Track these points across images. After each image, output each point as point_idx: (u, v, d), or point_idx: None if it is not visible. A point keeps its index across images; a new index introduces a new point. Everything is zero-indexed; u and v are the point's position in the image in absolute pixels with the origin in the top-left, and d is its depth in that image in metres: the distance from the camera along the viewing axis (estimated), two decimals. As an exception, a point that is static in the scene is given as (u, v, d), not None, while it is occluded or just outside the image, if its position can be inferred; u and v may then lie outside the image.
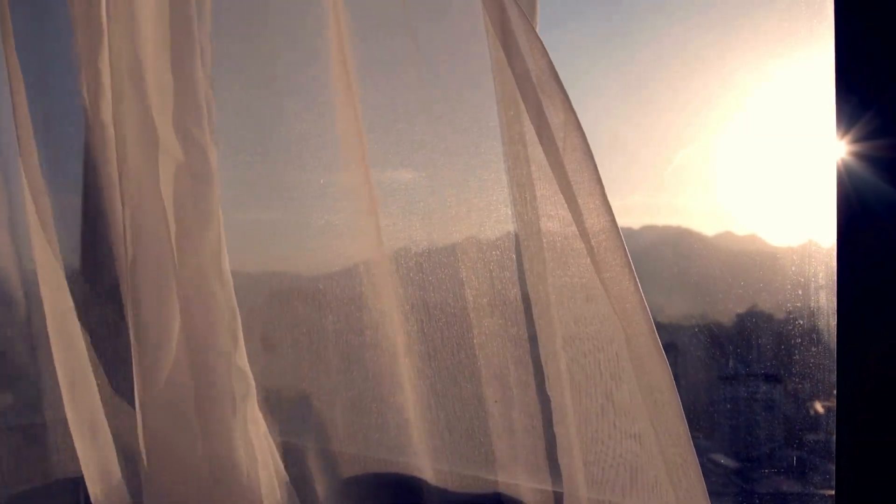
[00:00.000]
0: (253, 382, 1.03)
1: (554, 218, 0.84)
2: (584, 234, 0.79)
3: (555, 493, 0.93)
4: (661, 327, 1.23)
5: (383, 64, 1.01)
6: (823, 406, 1.10)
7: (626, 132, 1.18)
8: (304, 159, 1.09)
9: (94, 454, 1.17)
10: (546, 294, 0.86)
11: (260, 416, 1.04)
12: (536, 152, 0.83)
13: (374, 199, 1.02)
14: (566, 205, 0.80)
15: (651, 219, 1.19)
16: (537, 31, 0.82)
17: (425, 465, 1.04)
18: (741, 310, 1.14)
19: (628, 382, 0.81)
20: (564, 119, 0.79)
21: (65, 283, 1.17)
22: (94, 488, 1.16)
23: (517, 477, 0.96)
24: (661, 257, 1.18)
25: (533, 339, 0.90)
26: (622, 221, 1.18)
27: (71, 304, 1.17)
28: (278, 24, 1.08)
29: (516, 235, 0.89)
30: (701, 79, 1.12)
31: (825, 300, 1.05)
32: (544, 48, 0.80)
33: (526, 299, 0.89)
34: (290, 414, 1.13)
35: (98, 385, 1.19)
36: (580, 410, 0.85)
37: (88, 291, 1.21)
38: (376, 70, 1.01)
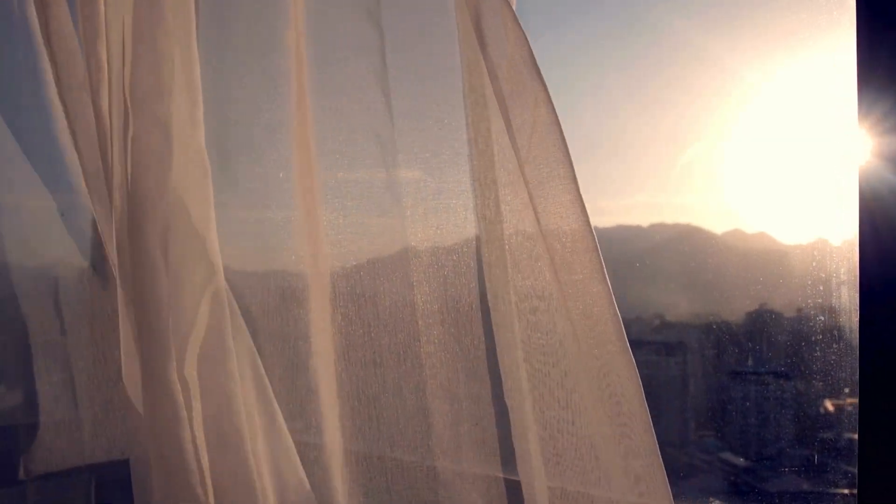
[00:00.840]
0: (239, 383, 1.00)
1: (519, 220, 0.82)
2: (548, 236, 0.77)
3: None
4: (669, 325, 1.23)
5: (344, 51, 0.97)
6: (836, 404, 1.09)
7: (634, 131, 1.17)
8: (264, 151, 1.06)
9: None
10: (507, 300, 0.84)
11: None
12: (504, 150, 0.81)
13: (316, 196, 0.99)
14: (531, 206, 0.78)
15: (660, 217, 1.18)
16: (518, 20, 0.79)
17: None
18: (751, 307, 1.13)
19: (591, 391, 0.80)
20: (533, 116, 0.77)
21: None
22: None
23: (464, 493, 0.94)
24: (671, 255, 1.18)
25: (490, 349, 0.87)
26: (630, 220, 1.19)
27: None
28: (244, 9, 1.06)
29: (477, 239, 0.87)
30: (709, 74, 1.11)
31: (837, 297, 1.03)
32: (524, 36, 0.77)
33: (484, 306, 0.87)
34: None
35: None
36: (541, 420, 0.83)
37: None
38: (336, 58, 0.98)
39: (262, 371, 1.05)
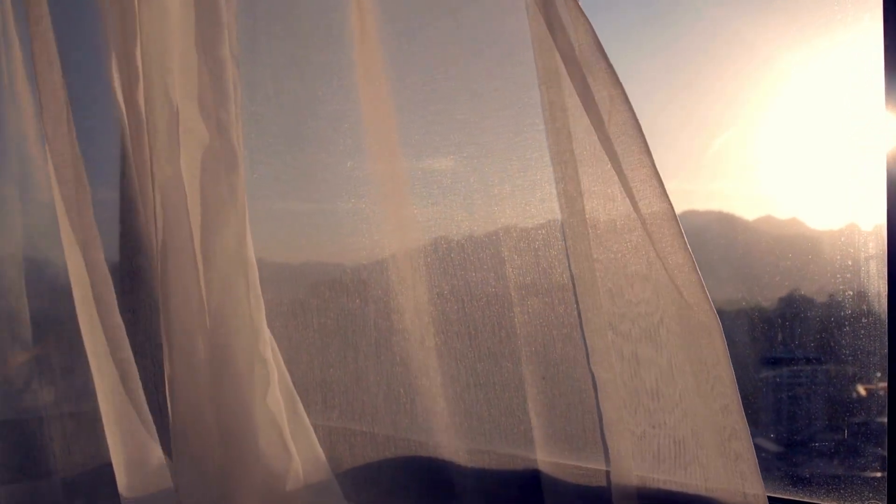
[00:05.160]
0: (275, 370, 1.03)
1: (598, 194, 0.84)
2: (636, 208, 0.79)
3: (602, 470, 0.93)
4: (702, 312, 1.23)
5: (423, 43, 1.00)
6: (868, 389, 1.09)
7: (665, 117, 1.18)
8: (333, 143, 1.09)
9: (124, 445, 1.12)
10: (591, 271, 0.86)
11: (283, 400, 1.04)
12: (579, 128, 0.83)
13: (401, 181, 1.02)
14: (616, 179, 0.80)
15: (692, 204, 1.19)
16: (581, 6, 0.82)
17: (458, 446, 1.04)
18: (783, 293, 1.13)
19: (677, 356, 0.81)
20: (610, 93, 0.79)
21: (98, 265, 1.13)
22: (121, 481, 1.11)
23: (559, 455, 0.96)
24: (703, 242, 1.18)
25: (580, 317, 0.89)
26: (662, 207, 1.19)
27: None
28: (305, 3, 1.09)
29: (561, 213, 0.89)
30: (741, 60, 1.12)
31: (868, 283, 1.04)
32: (588, 23, 0.81)
33: (572, 277, 0.89)
34: (318, 398, 1.12)
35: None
36: (627, 386, 0.85)
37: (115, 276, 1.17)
38: (417, 49, 1.01)
39: (281, 359, 1.06)
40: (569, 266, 0.89)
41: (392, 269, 1.05)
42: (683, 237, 0.78)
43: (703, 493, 0.83)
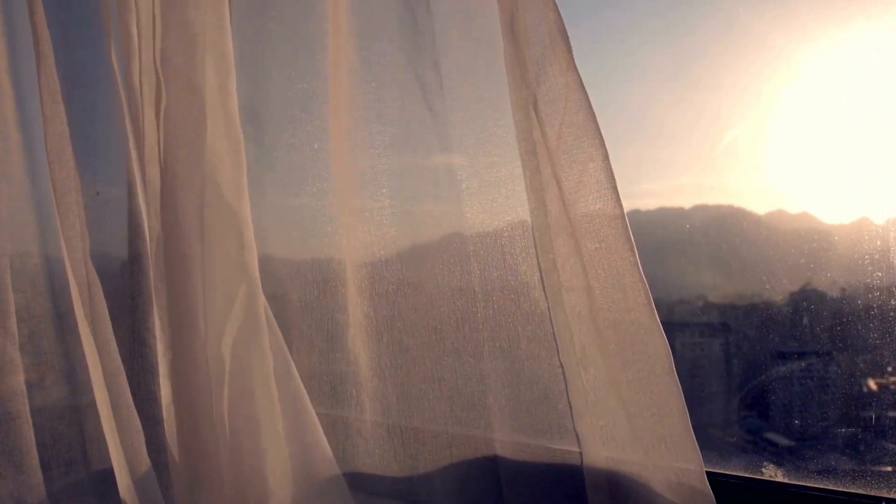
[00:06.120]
0: (269, 365, 1.02)
1: (559, 186, 0.82)
2: (580, 202, 0.79)
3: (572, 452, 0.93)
4: (713, 307, 1.24)
5: (394, 29, 0.99)
6: (880, 383, 1.09)
7: (676, 112, 1.18)
8: (299, 123, 1.08)
9: (121, 440, 1.07)
10: (554, 264, 0.86)
11: (285, 395, 1.04)
12: (543, 116, 0.82)
13: (357, 172, 1.02)
14: (571, 171, 0.80)
15: (702, 198, 1.19)
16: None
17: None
18: (795, 287, 1.13)
19: (621, 354, 0.81)
20: (566, 80, 0.78)
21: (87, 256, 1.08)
22: (121, 479, 1.07)
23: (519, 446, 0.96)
24: (713, 236, 1.18)
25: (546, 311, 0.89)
26: (673, 202, 1.19)
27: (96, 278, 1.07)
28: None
29: (528, 206, 0.88)
30: (752, 55, 1.12)
31: (880, 275, 1.04)
32: (554, 3, 0.79)
33: (540, 270, 0.88)
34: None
35: (125, 365, 1.09)
36: (590, 378, 0.86)
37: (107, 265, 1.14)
38: (389, 40, 0.99)
39: (286, 349, 1.06)
40: (537, 259, 0.88)
41: (349, 261, 1.04)
42: (629, 235, 0.77)
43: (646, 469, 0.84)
